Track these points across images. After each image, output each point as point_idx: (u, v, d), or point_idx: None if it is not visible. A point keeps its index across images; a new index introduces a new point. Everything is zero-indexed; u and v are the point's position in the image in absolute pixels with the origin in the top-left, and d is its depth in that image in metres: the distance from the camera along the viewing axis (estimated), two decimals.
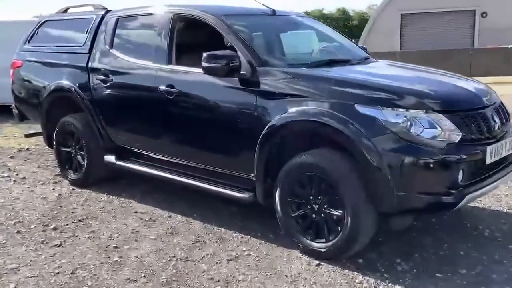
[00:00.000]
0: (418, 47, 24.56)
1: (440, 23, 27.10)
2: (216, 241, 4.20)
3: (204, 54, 4.06)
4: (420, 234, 4.23)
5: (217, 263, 3.84)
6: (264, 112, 3.98)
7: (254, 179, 4.12)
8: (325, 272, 3.66)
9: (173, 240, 4.24)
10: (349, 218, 3.56)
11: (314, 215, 3.82)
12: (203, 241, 4.22)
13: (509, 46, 21.52)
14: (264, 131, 3.93)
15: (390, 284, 3.47)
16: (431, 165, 3.36)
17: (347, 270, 3.66)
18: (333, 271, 3.66)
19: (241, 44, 4.20)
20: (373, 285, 3.47)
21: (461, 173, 3.42)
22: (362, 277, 3.57)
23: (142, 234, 4.38)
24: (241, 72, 4.08)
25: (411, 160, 3.37)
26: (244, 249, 4.05)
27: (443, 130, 3.42)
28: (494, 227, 4.40)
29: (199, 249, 4.06)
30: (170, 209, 4.95)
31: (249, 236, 4.28)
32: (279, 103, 3.92)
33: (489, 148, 3.60)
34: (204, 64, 4.07)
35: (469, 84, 4.05)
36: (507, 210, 4.80)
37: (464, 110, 3.61)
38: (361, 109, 3.52)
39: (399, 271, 3.67)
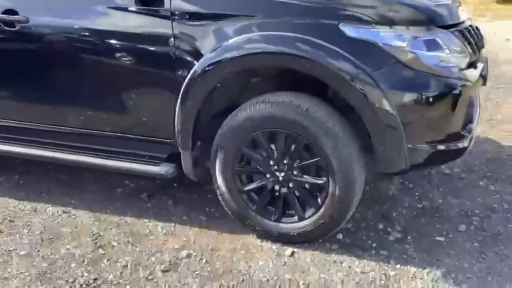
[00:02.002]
0: None
1: None
2: (127, 241, 2.85)
3: None
4: (376, 185, 3.40)
5: (148, 279, 2.54)
6: (188, 46, 2.64)
7: (179, 146, 2.80)
8: (308, 264, 2.63)
9: (59, 251, 2.77)
10: (337, 186, 2.53)
11: (277, 187, 2.70)
12: (108, 243, 2.83)
13: None
14: (190, 76, 2.62)
15: (399, 266, 2.60)
16: (450, 101, 2.46)
17: (334, 255, 2.69)
18: (318, 261, 2.65)
19: None
20: (381, 273, 2.55)
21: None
22: (359, 262, 2.63)
23: (3, 249, 2.81)
24: None
25: (427, 97, 2.42)
26: (177, 246, 2.79)
27: (451, 52, 2.50)
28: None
29: (109, 260, 2.69)
30: (31, 198, 3.35)
31: (173, 224, 3.01)
32: (211, 30, 2.61)
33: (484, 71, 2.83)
34: None
35: None
36: None
37: (460, 23, 2.72)
38: (349, 30, 2.41)
39: (393, 241, 2.81)
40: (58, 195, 3.36)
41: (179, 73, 2.66)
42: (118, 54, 2.75)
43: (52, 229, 2.98)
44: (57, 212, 3.16)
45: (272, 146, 2.65)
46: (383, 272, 2.54)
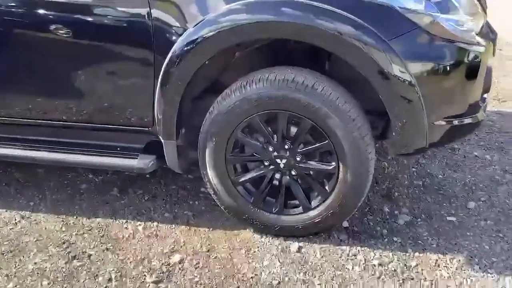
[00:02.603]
0: None
1: None
2: (106, 248, 2.46)
3: None
4: None
5: None
6: (167, 19, 2.24)
7: (160, 135, 2.42)
8: (319, 260, 2.35)
9: (26, 267, 2.34)
10: (348, 171, 2.24)
11: (278, 176, 2.39)
12: (83, 252, 2.43)
13: None
14: (169, 56, 2.24)
15: (418, 254, 2.37)
16: (472, 69, 2.21)
17: (345, 247, 2.42)
18: (329, 255, 2.37)
19: None
20: (401, 264, 2.31)
21: None
22: (374, 253, 2.38)
23: None
24: None
25: (449, 66, 2.15)
26: (166, 250, 2.43)
27: (466, 13, 2.24)
28: None
29: (88, 273, 2.29)
30: None
31: (156, 223, 2.64)
32: None
33: None
34: None
35: None
36: None
37: None
38: None
39: (403, 226, 2.58)
40: (12, 197, 2.88)
41: (158, 51, 2.27)
42: (80, 28, 2.31)
43: (11, 240, 2.53)
44: (15, 219, 2.69)
45: (271, 130, 2.32)
46: (404, 263, 2.30)
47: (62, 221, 2.67)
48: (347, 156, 2.21)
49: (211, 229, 2.57)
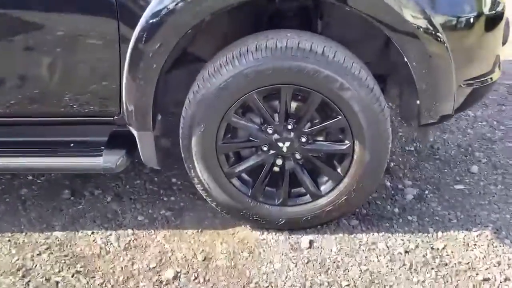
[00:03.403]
0: None
1: None
2: (76, 271, 1.97)
3: None
4: None
5: None
6: None
7: (133, 127, 1.94)
8: (337, 255, 2.02)
9: None
10: (366, 151, 1.91)
11: (280, 161, 2.01)
12: (47, 280, 1.93)
13: None
14: (137, 33, 1.78)
15: (441, 234, 2.12)
16: (497, 22, 1.96)
17: (361, 235, 2.11)
18: (347, 247, 2.05)
19: None
20: (428, 247, 2.04)
21: None
22: (395, 239, 2.10)
23: None
24: None
25: (477, 18, 1.87)
26: (153, 265, 1.99)
27: None
28: None
29: None
30: None
31: (130, 230, 2.18)
32: None
33: None
34: None
35: None
36: None
37: None
38: None
39: (413, 201, 2.33)
40: None
41: (124, 21, 1.79)
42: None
43: None
44: None
45: (270, 108, 1.93)
46: (430, 246, 2.03)
47: (9, 240, 2.13)
48: (365, 133, 1.88)
49: (199, 230, 2.16)
